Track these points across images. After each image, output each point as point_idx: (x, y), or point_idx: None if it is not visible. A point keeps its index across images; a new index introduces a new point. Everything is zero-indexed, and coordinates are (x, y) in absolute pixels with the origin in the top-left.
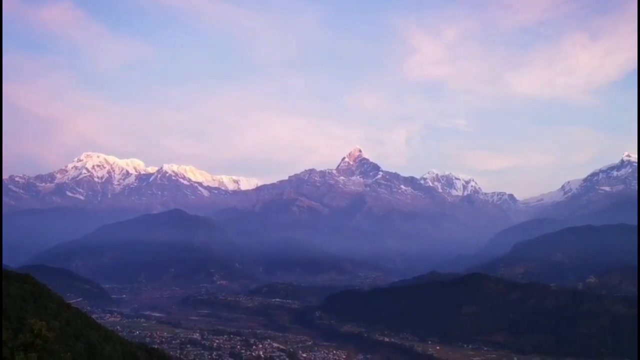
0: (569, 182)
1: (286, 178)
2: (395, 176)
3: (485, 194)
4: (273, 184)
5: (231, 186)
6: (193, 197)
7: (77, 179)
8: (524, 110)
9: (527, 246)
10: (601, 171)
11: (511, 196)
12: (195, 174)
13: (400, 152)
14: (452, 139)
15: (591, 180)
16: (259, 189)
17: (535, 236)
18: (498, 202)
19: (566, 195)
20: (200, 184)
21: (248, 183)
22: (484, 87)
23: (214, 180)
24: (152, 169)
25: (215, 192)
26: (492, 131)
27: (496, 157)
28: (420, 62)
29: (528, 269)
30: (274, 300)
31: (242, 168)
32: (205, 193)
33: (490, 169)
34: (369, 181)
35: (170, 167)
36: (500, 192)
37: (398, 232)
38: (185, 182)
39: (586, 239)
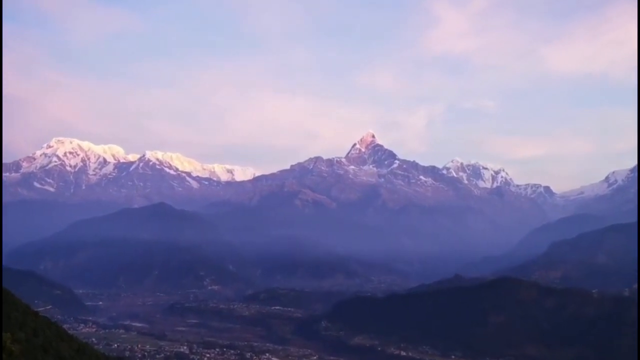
0: (613, 172)
1: (288, 167)
2: (414, 165)
3: (518, 186)
4: (273, 174)
5: (224, 176)
6: (180, 189)
7: (47, 168)
8: (562, 89)
9: (565, 246)
10: None
11: (547, 189)
12: (182, 163)
13: (420, 138)
14: (479, 123)
15: None
16: (256, 179)
17: (574, 235)
18: (532, 196)
19: (611, 188)
20: (188, 174)
21: (244, 173)
22: (516, 63)
23: (204, 169)
24: (133, 157)
25: (206, 183)
26: (525, 114)
27: (530, 143)
28: (443, 34)
29: (566, 272)
30: (273, 308)
31: (237, 156)
32: (195, 184)
33: (523, 157)
34: (384, 171)
35: (154, 155)
36: (535, 184)
37: (416, 230)
38: (172, 172)
39: (634, 238)
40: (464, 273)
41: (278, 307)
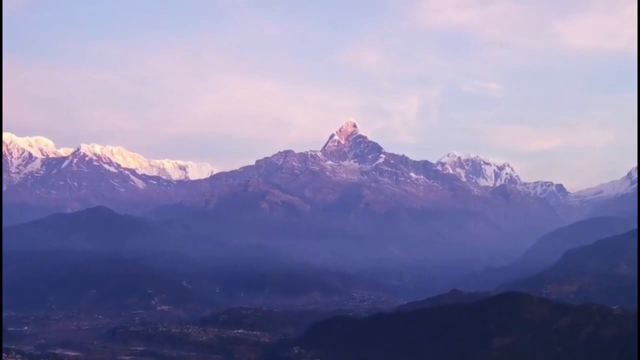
0: (637, 168)
1: (252, 163)
2: (403, 160)
3: (525, 184)
4: (234, 172)
5: (176, 174)
6: (123, 189)
7: None
8: (578, 70)
9: (582, 255)
10: None
11: (560, 187)
12: (126, 158)
13: (411, 128)
14: (480, 110)
15: None
16: (214, 178)
17: (592, 241)
18: (542, 195)
19: (634, 186)
20: (133, 171)
21: (199, 170)
22: (524, 40)
23: (152, 166)
24: (65, 151)
25: (154, 182)
26: (534, 99)
27: (540, 134)
28: (439, 5)
29: (582, 286)
30: (235, 331)
31: (191, 149)
32: (140, 184)
33: (531, 151)
34: (367, 167)
35: (91, 149)
36: (546, 182)
37: (406, 237)
38: (112, 169)
39: None
40: (463, 288)
41: (241, 331)
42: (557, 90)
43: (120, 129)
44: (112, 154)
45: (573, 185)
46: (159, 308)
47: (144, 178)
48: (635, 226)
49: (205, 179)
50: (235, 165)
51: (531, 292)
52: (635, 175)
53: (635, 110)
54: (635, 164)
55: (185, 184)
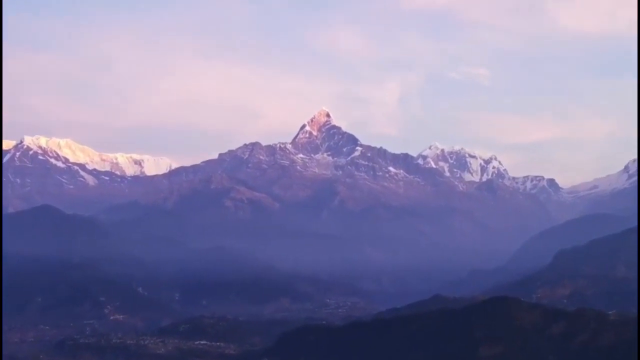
0: (634, 160)
1: (215, 157)
2: (381, 153)
3: (514, 178)
4: (195, 166)
5: (130, 170)
6: (71, 186)
7: None
8: (573, 55)
9: (575, 256)
10: None
11: (552, 182)
12: (74, 152)
13: (390, 117)
14: (467, 97)
15: None
16: (173, 173)
17: (586, 241)
18: (532, 191)
19: (631, 180)
20: (82, 166)
21: (157, 165)
22: (515, 22)
23: (103, 160)
24: (6, 144)
25: (106, 178)
26: (526, 86)
27: (531, 124)
28: None
29: (576, 289)
30: (197, 342)
31: (147, 142)
32: (91, 180)
33: (521, 142)
34: (342, 161)
35: (35, 141)
36: (536, 176)
37: (384, 238)
38: (60, 164)
39: None
40: (447, 292)
41: (204, 342)
42: (550, 77)
43: (68, 120)
44: (59, 147)
45: (566, 180)
46: (112, 317)
47: (95, 174)
48: (634, 224)
49: (163, 175)
50: (197, 159)
51: (521, 296)
52: (634, 169)
53: (634, 98)
54: (634, 156)
55: (140, 180)
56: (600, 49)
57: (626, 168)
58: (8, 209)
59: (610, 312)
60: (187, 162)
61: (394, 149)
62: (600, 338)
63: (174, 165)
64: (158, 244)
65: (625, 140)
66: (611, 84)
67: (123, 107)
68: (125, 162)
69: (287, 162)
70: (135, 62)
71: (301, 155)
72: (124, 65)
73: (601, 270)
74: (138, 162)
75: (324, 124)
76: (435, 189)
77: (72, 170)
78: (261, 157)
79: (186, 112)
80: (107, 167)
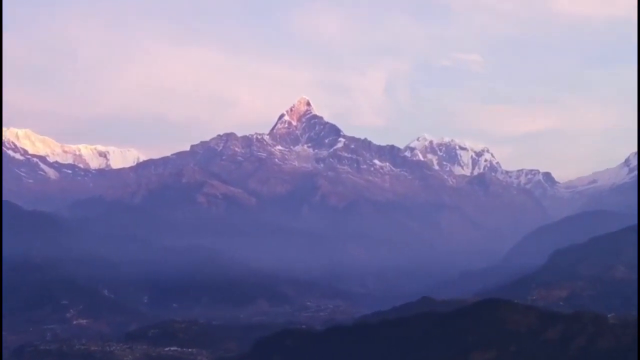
0: (635, 153)
1: (187, 148)
2: (366, 145)
3: (508, 172)
4: (165, 159)
5: (95, 162)
6: (31, 180)
7: None
8: (570, 41)
9: (573, 255)
10: None
11: (547, 176)
12: (34, 143)
13: (375, 107)
14: (458, 86)
15: None
16: (141, 166)
17: (584, 239)
18: (527, 186)
19: (632, 174)
20: (43, 158)
21: (123, 157)
22: (510, 5)
23: (66, 152)
24: None
25: (69, 172)
26: (521, 74)
27: (525, 114)
28: None
29: (574, 290)
30: (167, 349)
31: (113, 132)
32: (52, 174)
33: (515, 134)
34: (324, 153)
35: None
36: (531, 170)
37: (369, 235)
38: (18, 156)
39: None
40: (436, 294)
41: (174, 348)
42: (546, 64)
43: (27, 109)
44: (18, 138)
45: (563, 174)
46: (75, 322)
47: (57, 167)
48: (635, 221)
49: (130, 168)
50: (166, 151)
51: (515, 298)
52: (634, 162)
53: (635, 88)
54: (635, 149)
55: (106, 174)
56: (599, 35)
57: (627, 161)
58: None
59: (609, 315)
60: (156, 155)
61: (380, 140)
62: (598, 342)
63: (142, 158)
64: (125, 242)
65: (625, 132)
66: (611, 72)
67: (87, 95)
68: (89, 154)
69: (265, 155)
70: (101, 47)
71: (279, 147)
72: (88, 50)
73: (600, 270)
74: (103, 154)
75: (304, 114)
76: (423, 183)
77: (31, 163)
78: (236, 148)
79: (156, 101)
80: (69, 160)
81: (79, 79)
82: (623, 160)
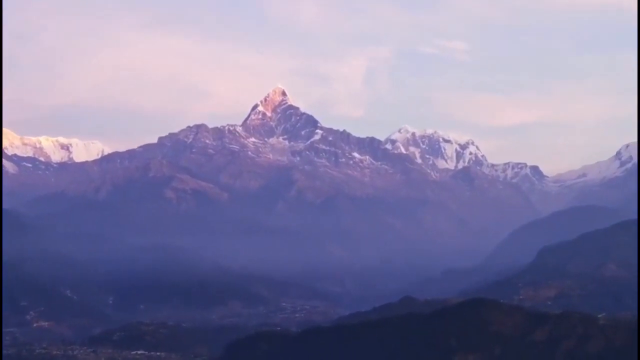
0: (627, 146)
1: (155, 141)
2: (345, 137)
3: (494, 165)
4: (131, 151)
5: (56, 155)
6: None
7: None
8: (561, 28)
9: (562, 252)
10: None
11: (535, 169)
12: None
13: (354, 97)
14: (442, 75)
15: None
16: (105, 159)
17: (573, 236)
18: (514, 180)
19: (623, 168)
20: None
21: (87, 150)
22: None
23: (25, 144)
24: None
25: (29, 165)
26: (507, 62)
27: (512, 105)
28: None
29: (562, 290)
30: (134, 352)
31: (76, 124)
32: (11, 167)
33: (501, 125)
34: (300, 145)
35: None
36: (518, 163)
37: (348, 232)
38: None
39: None
40: (419, 294)
41: (141, 352)
42: (534, 52)
43: None
44: None
45: (551, 168)
46: (35, 324)
47: (16, 160)
48: (626, 217)
49: (94, 161)
50: (133, 143)
51: (500, 298)
52: (626, 155)
53: (628, 76)
54: (627, 141)
55: (68, 168)
56: (590, 22)
57: (618, 154)
58: None
59: (599, 316)
60: (122, 147)
61: (359, 132)
62: (588, 344)
63: (107, 151)
64: (88, 240)
65: (617, 123)
66: (603, 61)
67: (49, 84)
68: (50, 146)
69: (237, 147)
70: (64, 33)
71: (253, 139)
72: (50, 36)
73: (590, 268)
74: (65, 147)
75: (279, 104)
76: (405, 177)
77: None
78: (207, 141)
79: (122, 90)
80: (29, 153)
81: (41, 66)
82: (614, 153)
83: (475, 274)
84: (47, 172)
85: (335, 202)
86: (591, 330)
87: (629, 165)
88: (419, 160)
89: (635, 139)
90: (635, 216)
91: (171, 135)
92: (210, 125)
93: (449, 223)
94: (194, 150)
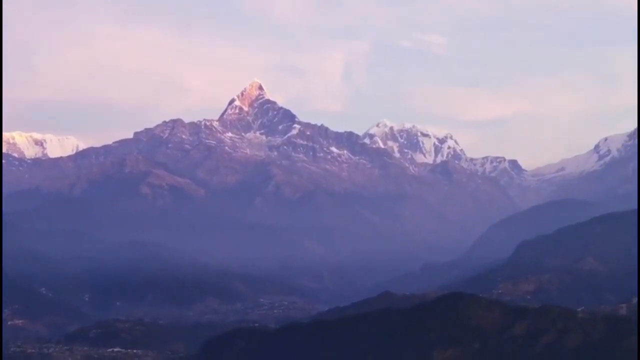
0: (606, 139)
1: (130, 136)
2: (322, 131)
3: (472, 160)
4: (106, 147)
5: (30, 151)
6: None
7: None
8: (540, 21)
9: (540, 247)
10: None
11: (514, 163)
12: None
13: (332, 91)
14: (420, 69)
15: None
16: (80, 155)
17: (551, 229)
18: (492, 174)
19: (602, 162)
20: None
21: (61, 145)
22: None
23: None
24: None
25: (2, 161)
26: (486, 56)
27: (492, 98)
28: None
29: (542, 284)
30: (110, 350)
31: (50, 119)
32: None
33: (480, 119)
34: (277, 140)
35: None
36: (497, 157)
37: (326, 228)
38: None
39: (634, 233)
40: (397, 289)
41: (118, 349)
42: (512, 45)
43: None
44: None
45: (529, 161)
46: (10, 322)
47: None
48: (605, 210)
49: (69, 157)
50: (108, 139)
51: (479, 293)
52: (605, 148)
53: (606, 69)
54: (605, 134)
55: (42, 164)
56: (569, 15)
57: (596, 148)
58: None
59: (578, 310)
60: (97, 143)
61: (337, 126)
62: (567, 338)
63: (82, 146)
64: (63, 237)
65: (595, 117)
66: (580, 54)
67: (22, 78)
68: (24, 142)
69: (214, 142)
70: (36, 27)
71: (230, 134)
72: (22, 31)
73: (568, 262)
74: (39, 143)
75: (256, 98)
76: (383, 172)
77: None
78: (183, 136)
79: (96, 85)
80: (2, 149)
81: (13, 60)
82: (592, 147)
83: (454, 269)
84: (20, 168)
85: (313, 197)
86: (570, 324)
87: (607, 159)
88: (397, 155)
89: (613, 133)
90: (614, 210)
91: (147, 130)
92: (187, 120)
93: (428, 218)
94: (170, 145)
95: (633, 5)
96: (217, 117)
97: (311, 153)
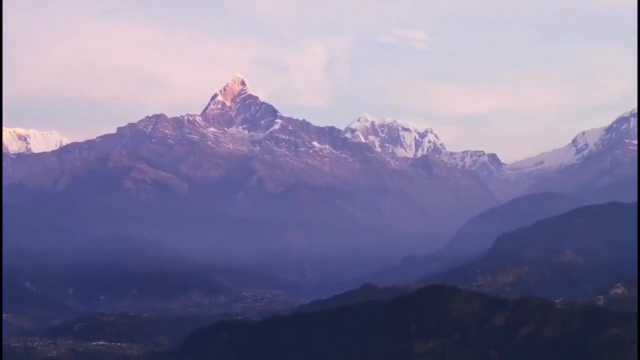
0: (583, 133)
1: (114, 131)
2: (304, 126)
3: (452, 154)
4: (90, 142)
5: (14, 146)
6: None
7: None
8: (519, 16)
9: (519, 239)
10: (633, 115)
11: (493, 157)
12: None
13: (314, 86)
14: (401, 64)
15: (618, 131)
16: (64, 150)
17: (531, 222)
18: (472, 168)
19: (580, 155)
20: None
21: (45, 141)
22: None
23: None
24: None
25: None
26: (466, 51)
27: (471, 93)
28: None
29: (520, 276)
30: (95, 343)
31: (33, 114)
32: None
33: (460, 114)
34: (259, 135)
35: None
36: (476, 151)
37: (308, 221)
38: None
39: (611, 226)
40: (378, 282)
41: (102, 343)
42: (492, 40)
43: None
44: None
45: (508, 155)
46: None
47: None
48: (583, 203)
49: (53, 152)
50: (91, 134)
51: (459, 285)
52: (582, 142)
53: (586, 64)
54: (583, 129)
55: (26, 159)
56: (550, 10)
57: (574, 142)
58: None
59: (556, 301)
60: (81, 138)
61: (319, 121)
62: (546, 329)
63: (65, 141)
64: (47, 232)
65: (573, 111)
66: (559, 49)
67: (5, 74)
68: (7, 137)
69: (197, 137)
70: (19, 21)
71: (212, 129)
72: (6, 26)
73: (547, 255)
74: (23, 138)
75: (239, 93)
76: (364, 166)
77: None
78: (166, 131)
79: (80, 80)
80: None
81: None
82: (570, 141)
83: (435, 261)
84: (4, 163)
85: (296, 191)
86: (549, 315)
87: (585, 152)
88: (378, 149)
89: (591, 127)
90: (592, 203)
91: (130, 125)
92: (170, 115)
93: (408, 211)
94: (153, 140)
95: (611, 1)
96: (199, 112)
97: (293, 148)
